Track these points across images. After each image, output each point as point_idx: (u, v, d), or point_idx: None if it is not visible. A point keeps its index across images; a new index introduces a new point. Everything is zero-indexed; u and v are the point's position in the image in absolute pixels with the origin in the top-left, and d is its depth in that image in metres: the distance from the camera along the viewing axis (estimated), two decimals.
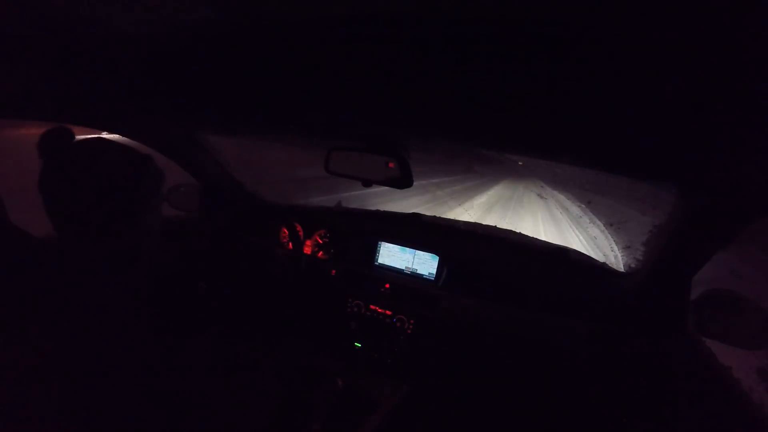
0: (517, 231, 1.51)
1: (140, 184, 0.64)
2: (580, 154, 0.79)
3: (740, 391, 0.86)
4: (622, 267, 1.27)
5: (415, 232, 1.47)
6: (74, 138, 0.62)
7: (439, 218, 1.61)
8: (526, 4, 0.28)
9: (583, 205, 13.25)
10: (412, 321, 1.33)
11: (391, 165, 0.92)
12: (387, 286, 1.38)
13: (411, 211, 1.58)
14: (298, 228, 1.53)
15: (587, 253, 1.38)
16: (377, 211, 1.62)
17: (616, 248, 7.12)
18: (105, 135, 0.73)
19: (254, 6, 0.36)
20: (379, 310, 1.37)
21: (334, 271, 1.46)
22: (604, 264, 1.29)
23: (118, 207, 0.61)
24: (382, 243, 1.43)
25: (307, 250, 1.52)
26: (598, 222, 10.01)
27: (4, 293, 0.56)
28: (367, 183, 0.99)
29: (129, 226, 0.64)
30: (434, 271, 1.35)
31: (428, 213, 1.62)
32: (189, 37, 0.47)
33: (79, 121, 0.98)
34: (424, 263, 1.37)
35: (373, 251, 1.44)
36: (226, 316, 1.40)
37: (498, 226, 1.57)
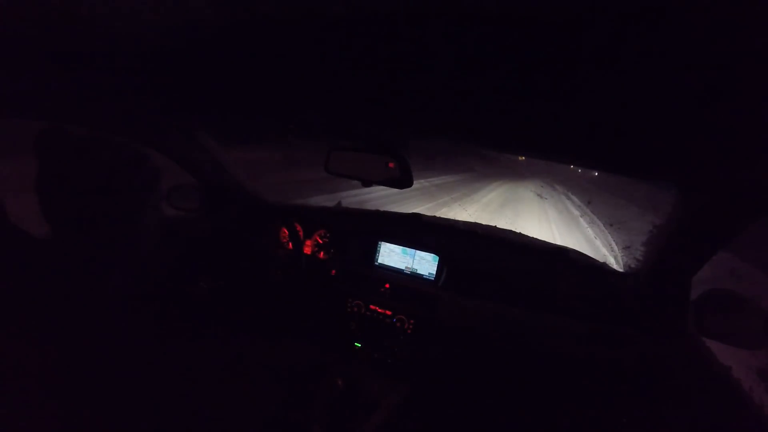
0: (517, 231, 1.51)
1: (136, 183, 0.64)
2: (580, 154, 0.79)
3: (740, 391, 0.86)
4: (622, 267, 1.27)
5: (415, 232, 1.47)
6: (69, 137, 0.62)
7: (439, 218, 1.61)
8: (527, 5, 0.28)
9: (583, 205, 13.24)
10: (412, 321, 1.33)
11: (391, 165, 0.92)
12: (387, 286, 1.38)
13: (411, 211, 1.58)
14: (298, 228, 1.53)
15: (587, 253, 1.38)
16: (377, 211, 1.62)
17: (616, 248, 7.12)
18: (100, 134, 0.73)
19: (254, 5, 0.36)
20: (379, 310, 1.37)
21: (334, 271, 1.46)
22: (604, 264, 1.29)
23: (113, 206, 0.61)
24: (382, 243, 1.43)
25: (307, 250, 1.53)
26: (598, 222, 10.00)
27: (3, 293, 0.56)
28: (367, 183, 0.99)
29: (126, 226, 0.64)
30: (434, 271, 1.35)
31: (428, 213, 1.62)
32: (189, 37, 0.47)
33: (79, 121, 0.98)
34: (424, 263, 1.37)
35: (373, 251, 1.44)
36: (226, 316, 1.40)
37: (498, 226, 1.57)
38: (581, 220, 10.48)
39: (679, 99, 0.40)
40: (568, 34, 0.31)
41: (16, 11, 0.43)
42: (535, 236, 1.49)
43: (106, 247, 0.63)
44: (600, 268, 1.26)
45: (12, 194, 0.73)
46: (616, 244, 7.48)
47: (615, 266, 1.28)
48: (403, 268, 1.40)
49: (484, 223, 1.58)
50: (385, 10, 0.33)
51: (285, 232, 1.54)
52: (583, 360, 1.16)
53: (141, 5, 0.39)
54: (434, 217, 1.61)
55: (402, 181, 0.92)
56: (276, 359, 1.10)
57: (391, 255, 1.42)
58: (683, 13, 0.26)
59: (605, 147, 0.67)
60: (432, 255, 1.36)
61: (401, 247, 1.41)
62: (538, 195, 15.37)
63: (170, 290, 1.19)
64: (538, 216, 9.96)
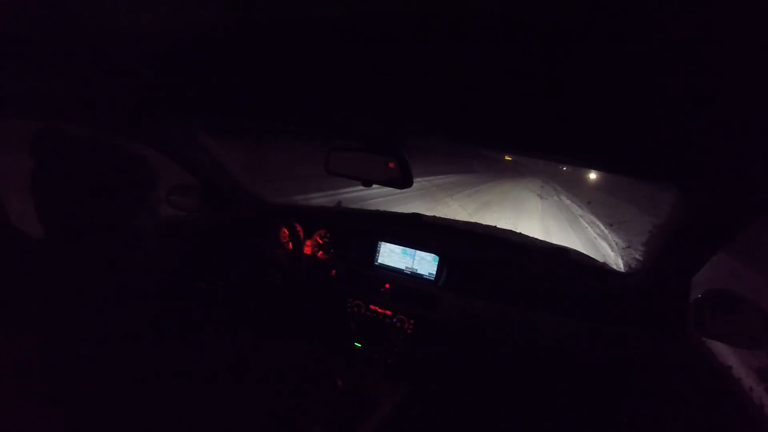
0: (517, 231, 1.51)
1: (132, 184, 0.64)
2: (580, 154, 0.79)
3: (740, 391, 0.86)
4: (622, 267, 1.27)
5: (415, 232, 1.47)
6: (66, 138, 0.62)
7: (439, 218, 1.61)
8: (526, 6, 0.28)
9: (583, 205, 13.24)
10: (412, 321, 1.33)
11: (391, 165, 0.92)
12: (387, 286, 1.38)
13: (411, 212, 1.58)
14: (298, 228, 1.53)
15: (587, 253, 1.38)
16: (377, 211, 1.62)
17: (616, 248, 7.12)
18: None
19: (255, 6, 0.36)
20: (379, 310, 1.37)
21: (334, 271, 1.46)
22: (604, 264, 1.29)
23: (109, 207, 0.61)
24: (382, 243, 1.43)
25: (307, 250, 1.52)
26: (598, 222, 10.01)
27: (3, 294, 0.56)
28: (367, 183, 0.99)
29: (121, 226, 0.64)
30: (434, 271, 1.35)
31: (428, 213, 1.62)
32: (190, 37, 0.47)
33: (79, 121, 0.98)
34: (424, 263, 1.37)
35: (373, 251, 1.44)
36: (226, 316, 1.40)
37: (498, 226, 1.57)
38: (581, 219, 10.49)
39: (678, 97, 0.40)
40: (567, 35, 0.31)
41: (16, 11, 0.43)
42: (535, 236, 1.49)
43: (104, 248, 0.63)
44: (600, 268, 1.26)
45: (11, 195, 0.73)
46: (616, 244, 7.48)
47: (615, 266, 1.28)
48: (403, 268, 1.40)
49: (483, 222, 1.58)
50: (384, 12, 0.33)
51: (285, 232, 1.54)
52: (584, 360, 1.16)
53: (143, 6, 0.39)
54: (434, 217, 1.61)
55: (402, 181, 0.92)
56: (276, 359, 1.10)
57: (391, 255, 1.42)
58: (683, 13, 0.26)
59: (605, 147, 0.67)
60: (432, 255, 1.36)
61: (401, 247, 1.41)
62: (539, 195, 15.37)
63: (170, 290, 1.19)
64: (539, 215, 9.96)
